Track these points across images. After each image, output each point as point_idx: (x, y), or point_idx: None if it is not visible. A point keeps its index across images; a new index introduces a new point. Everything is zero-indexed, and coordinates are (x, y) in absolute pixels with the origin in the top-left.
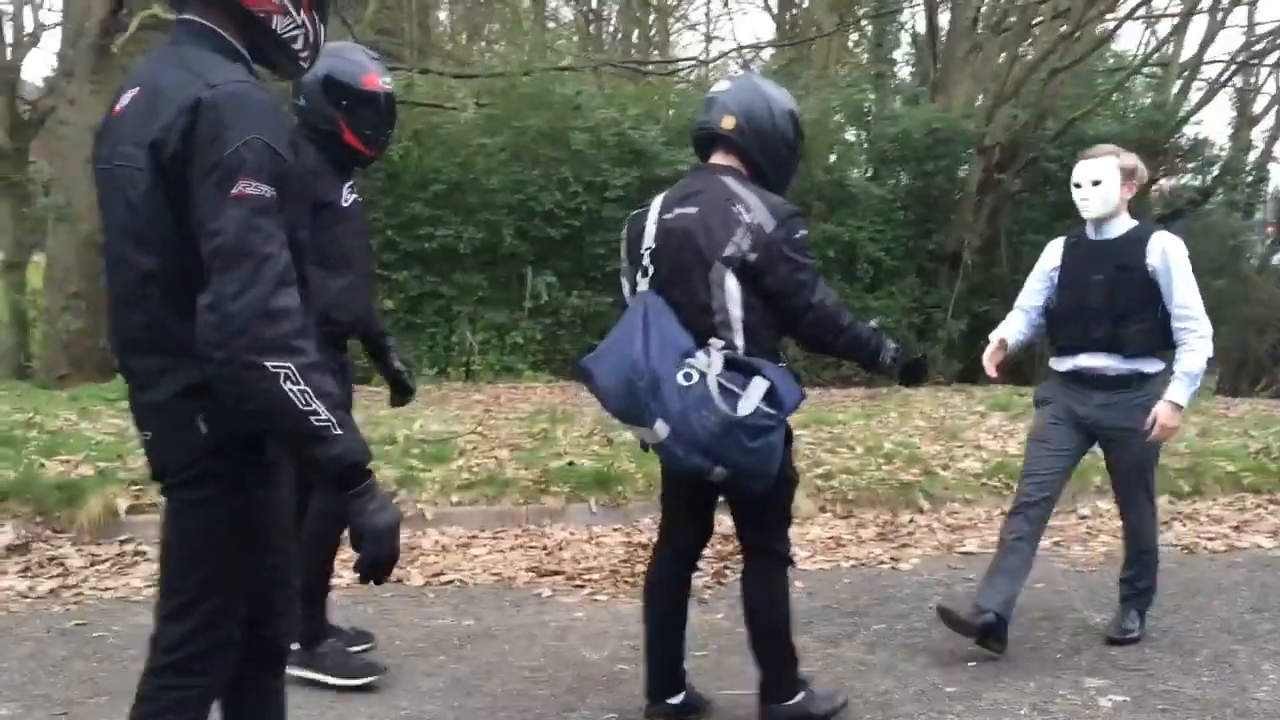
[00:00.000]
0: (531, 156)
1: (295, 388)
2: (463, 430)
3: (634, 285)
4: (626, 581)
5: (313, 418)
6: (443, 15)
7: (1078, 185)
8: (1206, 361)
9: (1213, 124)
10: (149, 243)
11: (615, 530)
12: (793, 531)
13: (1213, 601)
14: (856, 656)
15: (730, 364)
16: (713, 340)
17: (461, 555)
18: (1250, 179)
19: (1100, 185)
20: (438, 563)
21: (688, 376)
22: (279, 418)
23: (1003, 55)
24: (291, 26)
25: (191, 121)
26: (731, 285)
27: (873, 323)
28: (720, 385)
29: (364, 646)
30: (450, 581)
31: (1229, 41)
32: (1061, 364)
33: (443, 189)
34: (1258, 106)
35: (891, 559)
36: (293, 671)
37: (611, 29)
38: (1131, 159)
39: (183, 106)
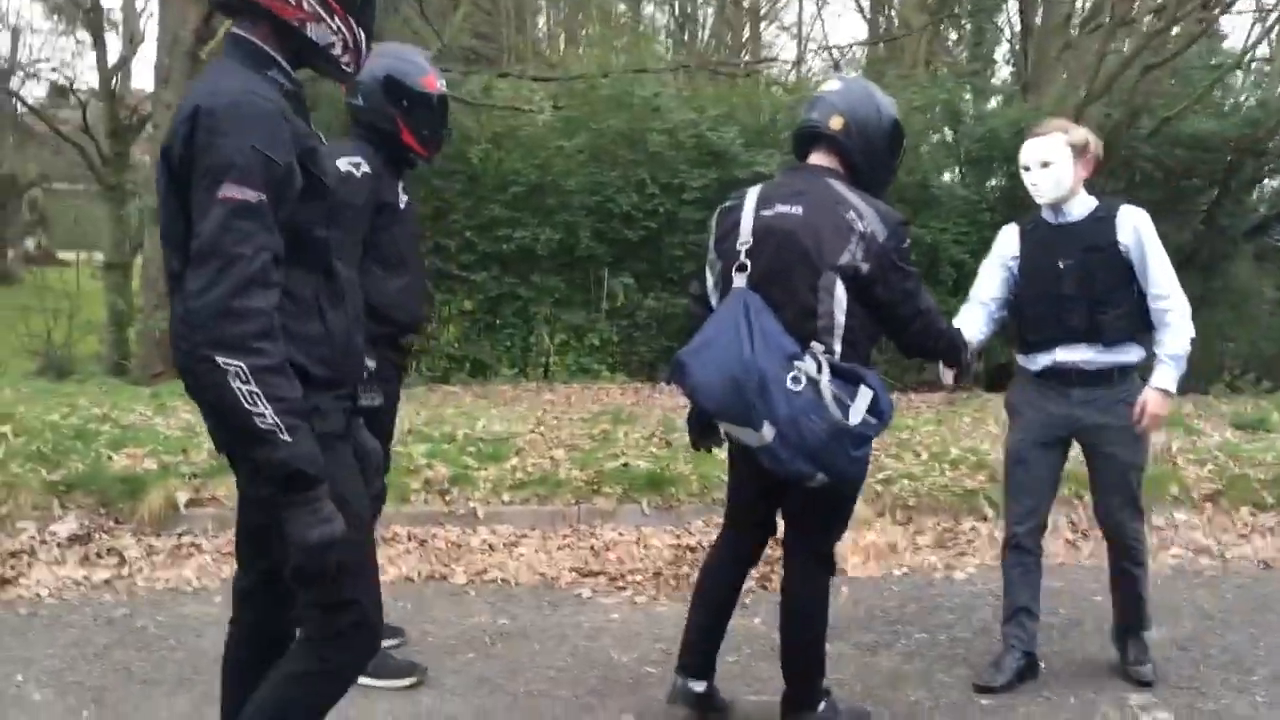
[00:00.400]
0: (610, 158)
1: (244, 387)
2: (523, 430)
3: (720, 280)
4: (669, 583)
5: (258, 419)
6: (541, 21)
7: (1026, 169)
8: (1191, 341)
9: None
10: (173, 245)
11: (666, 531)
12: (846, 537)
13: None
14: (893, 666)
15: (835, 371)
16: (814, 345)
17: (508, 554)
18: None
19: (1050, 167)
20: (482, 561)
21: (796, 380)
22: (227, 414)
23: (1094, 52)
24: (328, 33)
25: (191, 129)
26: (840, 292)
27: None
28: (833, 392)
29: (395, 642)
30: (493, 580)
31: None
32: (1034, 361)
33: (521, 191)
34: None
35: (946, 567)
36: None
37: (705, 33)
38: (1081, 133)
39: (185, 114)
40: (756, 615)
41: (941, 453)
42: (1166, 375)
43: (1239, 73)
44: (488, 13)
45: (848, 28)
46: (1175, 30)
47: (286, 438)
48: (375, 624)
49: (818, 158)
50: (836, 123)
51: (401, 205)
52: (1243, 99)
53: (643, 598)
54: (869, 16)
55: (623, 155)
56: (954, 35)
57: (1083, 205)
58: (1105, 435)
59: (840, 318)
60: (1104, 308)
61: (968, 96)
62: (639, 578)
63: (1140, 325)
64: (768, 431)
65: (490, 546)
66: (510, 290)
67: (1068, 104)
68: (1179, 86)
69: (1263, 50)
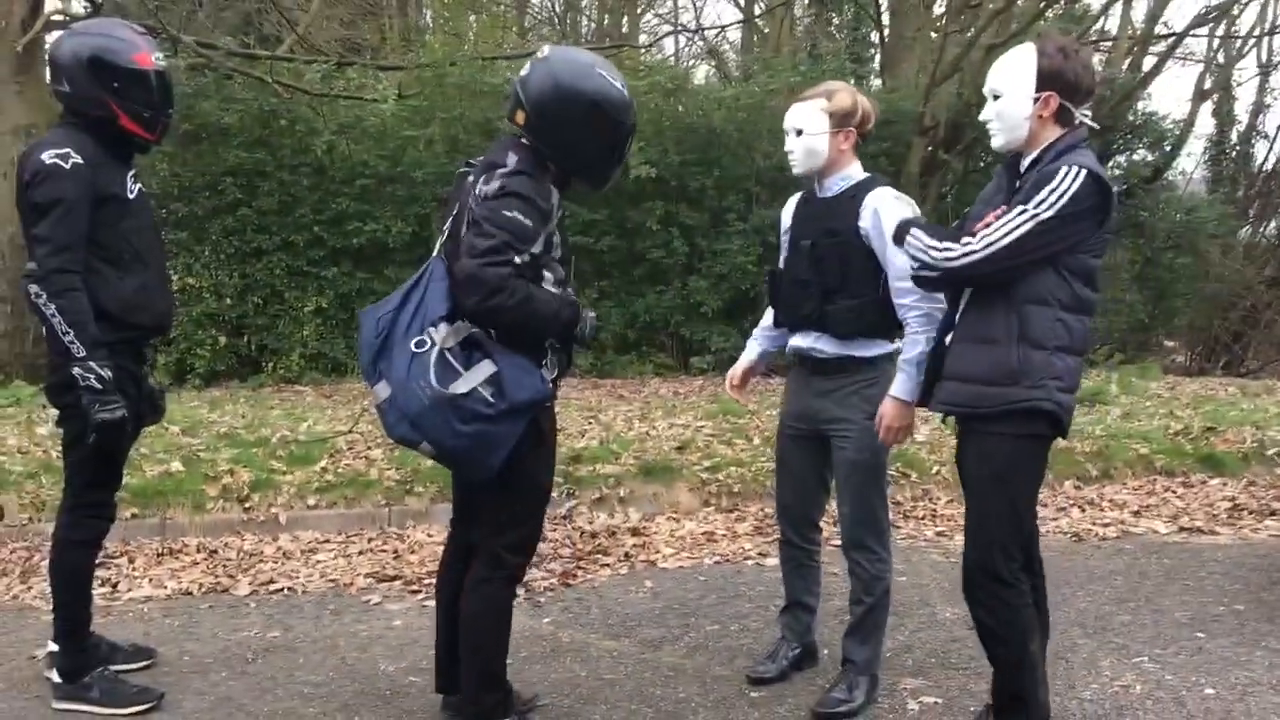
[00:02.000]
0: (464, 148)
1: None
2: (345, 430)
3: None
4: None
5: None
6: (427, 12)
7: (787, 134)
8: (929, 342)
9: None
10: None
11: None
12: (667, 528)
13: (1078, 592)
14: (673, 661)
15: (467, 342)
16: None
17: (304, 561)
18: (1234, 153)
19: (804, 135)
20: (271, 570)
21: (420, 344)
22: None
23: (938, 34)
24: None
25: None
26: None
27: (571, 294)
28: (443, 358)
29: (140, 665)
30: (279, 590)
31: (1185, 12)
32: (789, 344)
33: (370, 183)
34: (1207, 81)
35: (759, 554)
36: (60, 706)
37: (590, 22)
38: (845, 101)
39: None
40: (548, 615)
41: (774, 436)
42: (901, 384)
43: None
44: (372, 11)
45: (730, 14)
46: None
47: None
48: None
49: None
50: (519, 118)
51: (130, 196)
52: None
53: (434, 602)
54: (742, 4)
55: (476, 144)
56: (836, 19)
57: (843, 181)
58: (838, 430)
59: None
60: (835, 297)
61: (850, 80)
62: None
63: (882, 321)
64: (382, 390)
65: (285, 554)
66: (363, 285)
67: (919, 85)
68: None
69: (1112, 27)
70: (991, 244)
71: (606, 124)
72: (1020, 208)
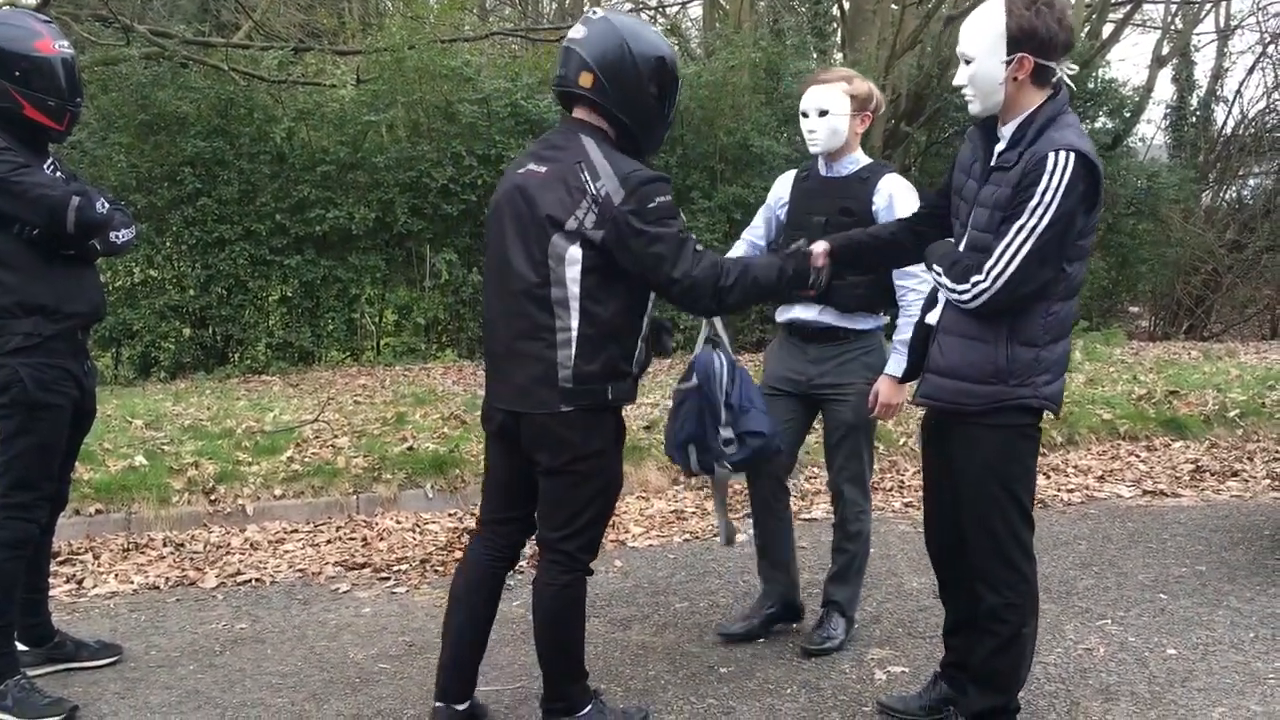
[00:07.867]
0: (424, 132)
1: None
2: (312, 419)
3: None
4: (436, 571)
5: None
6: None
7: (805, 115)
8: None
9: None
10: None
11: (449, 515)
12: (636, 508)
13: (1043, 558)
14: (642, 640)
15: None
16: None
17: (271, 552)
18: (1194, 118)
19: (828, 115)
20: (239, 562)
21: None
22: None
23: (897, 5)
24: None
25: None
26: (573, 261)
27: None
28: None
29: (107, 661)
30: (247, 581)
31: None
32: (781, 314)
33: (331, 169)
34: (1165, 47)
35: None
36: None
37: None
38: (865, 86)
39: None
40: (517, 599)
41: None
42: (896, 364)
43: None
44: None
45: None
46: None
47: None
48: None
49: (580, 113)
50: (586, 80)
51: None
52: None
53: (402, 589)
54: None
55: (436, 128)
56: None
57: (854, 163)
58: (837, 394)
59: (573, 289)
60: (844, 273)
61: (814, 55)
62: (405, 567)
63: (883, 298)
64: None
65: (253, 545)
66: (328, 273)
67: (880, 59)
68: None
69: None
70: (999, 275)
71: (668, 79)
72: (1016, 225)
